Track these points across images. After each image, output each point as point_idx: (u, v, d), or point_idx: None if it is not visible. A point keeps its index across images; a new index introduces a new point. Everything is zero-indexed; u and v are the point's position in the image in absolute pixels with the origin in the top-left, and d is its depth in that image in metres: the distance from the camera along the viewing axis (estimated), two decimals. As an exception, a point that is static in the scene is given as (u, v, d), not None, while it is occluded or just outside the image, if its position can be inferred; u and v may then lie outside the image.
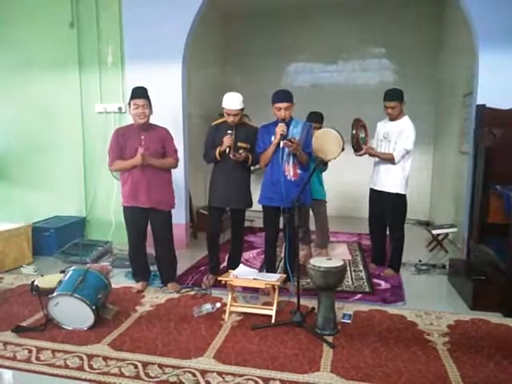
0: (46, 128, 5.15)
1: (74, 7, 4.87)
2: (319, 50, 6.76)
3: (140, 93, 3.39)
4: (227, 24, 7.03)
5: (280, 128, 3.28)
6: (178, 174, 4.25)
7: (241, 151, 3.45)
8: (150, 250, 3.73)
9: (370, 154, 3.95)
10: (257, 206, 3.68)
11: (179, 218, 4.53)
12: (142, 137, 3.43)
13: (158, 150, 3.47)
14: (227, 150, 3.45)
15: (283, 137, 3.27)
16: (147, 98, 3.41)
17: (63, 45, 4.97)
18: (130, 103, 3.41)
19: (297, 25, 6.72)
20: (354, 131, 3.88)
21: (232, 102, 3.47)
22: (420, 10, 6.26)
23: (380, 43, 6.56)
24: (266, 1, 6.44)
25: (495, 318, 3.09)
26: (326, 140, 3.85)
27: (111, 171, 3.55)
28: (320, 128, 4.12)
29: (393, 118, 3.88)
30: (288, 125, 3.36)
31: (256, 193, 3.64)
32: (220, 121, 3.65)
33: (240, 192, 3.61)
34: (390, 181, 3.86)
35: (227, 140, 3.44)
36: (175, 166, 3.62)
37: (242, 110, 3.53)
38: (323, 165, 4.06)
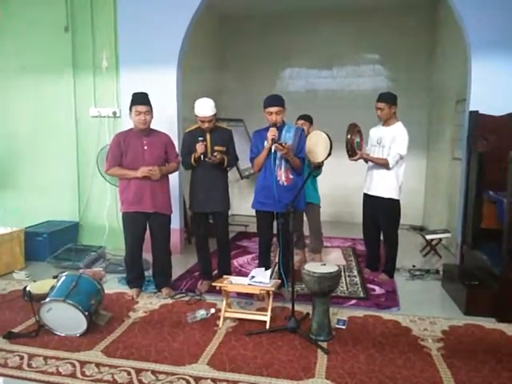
0: (40, 132, 5.12)
1: (68, 11, 4.86)
2: (314, 56, 6.78)
3: (142, 99, 3.40)
4: (222, 29, 7.04)
5: (271, 133, 3.28)
6: (173, 179, 4.23)
7: (215, 154, 3.48)
8: (145, 255, 3.72)
9: (365, 159, 3.97)
10: (251, 210, 3.67)
11: (174, 223, 4.48)
12: (145, 141, 3.44)
13: (161, 154, 3.51)
14: (201, 156, 3.48)
15: (274, 141, 3.27)
16: (149, 104, 3.42)
17: (58, 49, 4.94)
18: (131, 109, 3.40)
19: (292, 30, 6.74)
20: (349, 136, 3.90)
21: (205, 108, 3.48)
22: (414, 16, 6.31)
23: (374, 49, 6.59)
24: (261, 6, 6.46)
25: (489, 323, 3.10)
26: (315, 143, 3.91)
27: (107, 175, 3.57)
28: (307, 126, 4.17)
29: (384, 122, 3.92)
30: (280, 129, 3.37)
31: (249, 198, 3.64)
32: (193, 127, 3.67)
33: (218, 195, 3.63)
34: (384, 186, 3.88)
35: (199, 147, 3.47)
36: (177, 170, 3.73)
37: (215, 114, 3.55)
38: (317, 168, 4.07)
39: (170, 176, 3.69)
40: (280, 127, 3.37)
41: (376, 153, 3.93)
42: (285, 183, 3.40)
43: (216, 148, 3.55)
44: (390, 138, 3.83)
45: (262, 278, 3.09)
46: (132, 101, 3.41)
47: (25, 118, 5.16)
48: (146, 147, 3.44)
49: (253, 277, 3.12)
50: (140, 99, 3.40)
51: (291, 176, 3.43)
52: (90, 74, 4.91)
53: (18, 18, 5.03)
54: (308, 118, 4.27)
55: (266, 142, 3.39)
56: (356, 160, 3.95)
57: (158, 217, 3.52)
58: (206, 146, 3.51)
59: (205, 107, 3.48)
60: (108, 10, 4.80)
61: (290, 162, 3.36)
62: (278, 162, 3.39)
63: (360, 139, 4.01)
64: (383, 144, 3.87)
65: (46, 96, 5.07)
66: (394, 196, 3.86)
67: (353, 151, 3.91)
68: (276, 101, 3.35)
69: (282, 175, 3.41)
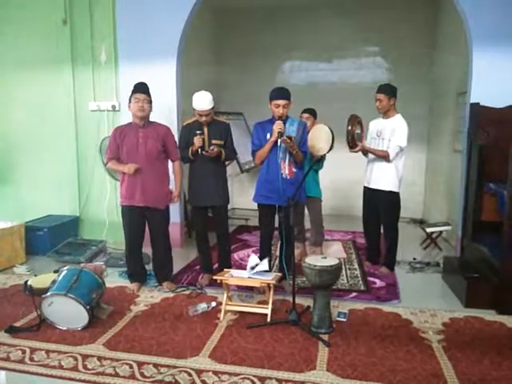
0: (39, 126, 5.10)
1: (66, 4, 4.82)
2: (314, 49, 6.74)
3: (142, 88, 3.43)
4: (222, 22, 6.99)
5: (277, 126, 3.27)
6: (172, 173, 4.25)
7: (212, 147, 3.47)
8: (146, 249, 3.72)
9: (365, 151, 3.95)
10: (251, 204, 3.67)
11: (174, 217, 4.49)
12: (140, 134, 3.43)
13: (157, 147, 3.46)
14: (199, 150, 3.48)
15: (281, 134, 3.26)
16: (148, 93, 3.44)
17: (56, 42, 4.92)
18: (130, 99, 3.41)
19: (292, 23, 6.69)
20: (349, 127, 3.88)
21: (203, 102, 3.46)
22: (414, 8, 6.27)
23: (374, 42, 6.55)
24: (260, -1, 6.43)
25: (489, 316, 3.11)
26: (317, 136, 3.89)
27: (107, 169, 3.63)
28: (310, 119, 4.16)
29: (383, 114, 3.91)
30: (284, 123, 3.35)
31: (250, 191, 3.63)
32: (191, 120, 3.65)
33: (217, 189, 3.62)
34: (384, 179, 3.87)
35: (197, 141, 3.46)
36: (181, 167, 3.72)
37: (213, 108, 3.54)
38: (318, 162, 4.06)
39: (169, 169, 3.67)
40: (283, 120, 3.36)
41: (376, 145, 3.92)
42: (288, 177, 3.40)
43: (214, 141, 3.54)
44: (389, 131, 3.82)
45: (261, 267, 3.10)
46: (132, 90, 3.43)
47: (24, 112, 5.14)
48: (141, 140, 3.42)
49: (252, 268, 3.12)
50: (140, 88, 3.42)
51: (294, 170, 3.42)
52: (89, 68, 4.88)
53: (16, 11, 4.99)
54: (313, 112, 4.25)
55: (268, 135, 3.38)
56: (356, 152, 3.94)
57: (154, 211, 3.50)
58: (203, 139, 3.50)
59: (203, 100, 3.46)
60: (106, 3, 4.76)
61: (294, 155, 3.35)
62: (282, 155, 3.37)
63: (361, 130, 4.00)
64: (383, 136, 3.86)
65: (45, 90, 5.05)
66: (394, 189, 3.86)
67: (353, 143, 3.90)
68: (284, 93, 3.33)
69: (286, 169, 3.40)
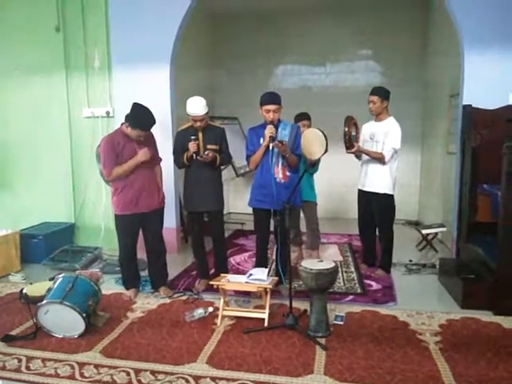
0: (33, 133, 5.09)
1: (59, 11, 4.82)
2: (307, 52, 6.77)
3: (148, 126, 3.34)
4: (215, 26, 7.01)
5: (269, 130, 3.28)
6: (168, 178, 4.24)
7: (207, 152, 3.47)
8: (140, 255, 3.72)
9: (360, 152, 3.96)
10: (247, 208, 3.67)
11: (170, 222, 4.49)
12: (136, 144, 3.41)
13: (151, 153, 3.48)
14: (194, 155, 3.48)
15: (272, 139, 3.27)
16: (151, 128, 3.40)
17: (49, 49, 4.91)
18: (131, 123, 3.30)
19: (285, 27, 6.73)
20: (346, 128, 3.90)
21: (197, 107, 3.46)
22: (407, 12, 6.31)
23: (367, 45, 6.59)
24: (253, 3, 6.43)
25: (485, 317, 3.12)
26: (311, 140, 3.90)
27: (109, 181, 3.56)
28: (309, 126, 4.16)
29: (376, 117, 3.93)
30: (276, 127, 3.36)
31: (245, 196, 3.63)
32: (186, 126, 3.65)
33: (212, 194, 3.63)
34: (378, 181, 3.89)
35: (192, 146, 3.46)
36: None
37: (207, 113, 3.55)
38: (312, 166, 4.07)
39: (164, 174, 3.71)
40: (276, 125, 3.37)
41: (369, 148, 3.94)
42: (282, 180, 3.41)
43: (208, 146, 3.54)
44: (383, 133, 3.84)
45: (259, 275, 3.09)
46: (136, 119, 3.30)
47: (18, 119, 5.12)
48: (138, 149, 3.41)
49: (251, 274, 3.13)
50: (147, 126, 3.33)
51: (288, 173, 3.43)
52: (83, 74, 4.88)
53: (9, 18, 4.98)
54: (310, 118, 4.26)
55: (261, 140, 3.38)
56: (353, 152, 3.95)
57: (151, 214, 3.51)
58: (198, 144, 3.51)
59: (196, 106, 3.47)
60: (100, 9, 4.77)
61: (288, 159, 3.36)
62: (275, 159, 3.38)
63: (356, 132, 4.01)
64: (376, 139, 3.88)
65: (39, 97, 5.04)
66: (388, 191, 3.87)
67: (350, 143, 3.91)
68: (274, 98, 3.34)
69: (280, 172, 3.41)
